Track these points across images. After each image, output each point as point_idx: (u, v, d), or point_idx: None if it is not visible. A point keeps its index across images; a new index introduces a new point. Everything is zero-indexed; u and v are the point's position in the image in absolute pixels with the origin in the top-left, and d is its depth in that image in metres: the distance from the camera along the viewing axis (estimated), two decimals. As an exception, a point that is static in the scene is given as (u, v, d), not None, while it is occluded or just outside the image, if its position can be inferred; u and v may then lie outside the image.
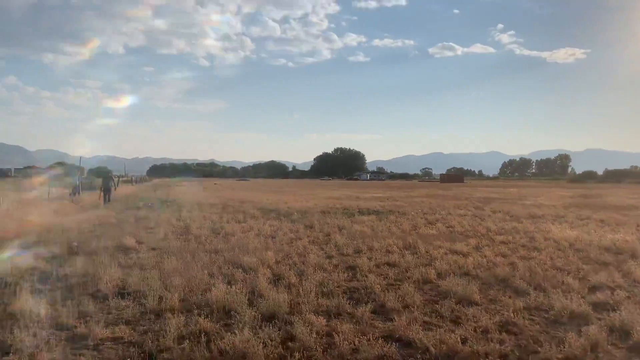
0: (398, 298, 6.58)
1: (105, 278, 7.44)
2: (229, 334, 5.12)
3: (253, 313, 5.75)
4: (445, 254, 10.37)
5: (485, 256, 10.02)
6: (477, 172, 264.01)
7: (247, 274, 8.03)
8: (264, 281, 7.30)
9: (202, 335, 5.14)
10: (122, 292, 6.93)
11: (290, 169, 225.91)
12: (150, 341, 4.98)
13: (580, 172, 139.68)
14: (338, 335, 5.16)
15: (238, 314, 5.80)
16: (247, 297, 6.44)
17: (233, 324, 5.56)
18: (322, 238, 12.77)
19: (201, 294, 6.73)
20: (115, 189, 27.05)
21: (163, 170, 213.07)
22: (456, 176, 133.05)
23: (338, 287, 7.29)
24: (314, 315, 5.78)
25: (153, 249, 10.82)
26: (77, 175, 30.80)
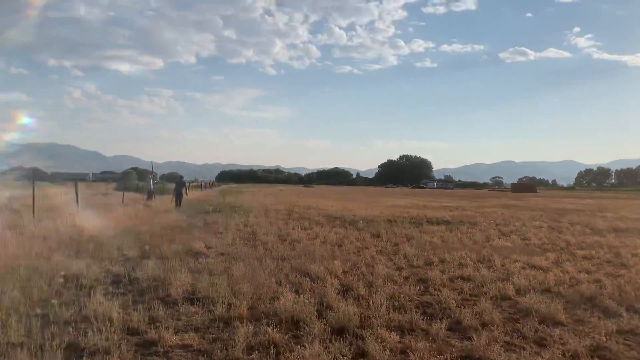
0: (475, 315, 6.17)
1: (176, 283, 7.50)
2: (299, 346, 4.94)
3: (322, 325, 5.54)
4: (523, 268, 9.75)
5: (567, 272, 9.31)
6: (550, 181, 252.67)
7: (314, 283, 7.85)
8: (332, 292, 7.09)
9: (271, 346, 4.99)
10: (191, 298, 6.95)
11: (354, 176, 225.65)
12: (219, 350, 4.89)
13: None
14: (413, 354, 4.85)
15: (307, 325, 5.61)
16: (315, 308, 6.24)
17: (302, 335, 5.38)
18: (390, 248, 12.41)
19: (269, 303, 6.61)
20: (187, 194, 27.80)
21: (231, 176, 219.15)
22: (528, 186, 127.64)
23: (410, 300, 6.94)
24: (386, 330, 5.49)
25: (221, 254, 10.90)
26: (151, 179, 31.85)
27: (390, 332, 5.45)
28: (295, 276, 8.31)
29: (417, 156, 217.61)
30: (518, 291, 7.63)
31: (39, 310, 6.03)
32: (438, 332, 5.52)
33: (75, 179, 24.75)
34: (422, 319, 6.01)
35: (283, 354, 4.82)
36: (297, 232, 15.12)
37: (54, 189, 37.31)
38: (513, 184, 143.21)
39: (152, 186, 31.24)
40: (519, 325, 5.94)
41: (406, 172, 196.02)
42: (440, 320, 5.98)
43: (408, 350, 4.99)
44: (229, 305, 6.39)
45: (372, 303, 6.54)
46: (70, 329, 5.33)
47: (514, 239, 14.86)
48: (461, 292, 7.57)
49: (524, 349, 5.17)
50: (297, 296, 6.88)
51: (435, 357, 4.81)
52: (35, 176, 24.29)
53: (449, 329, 5.71)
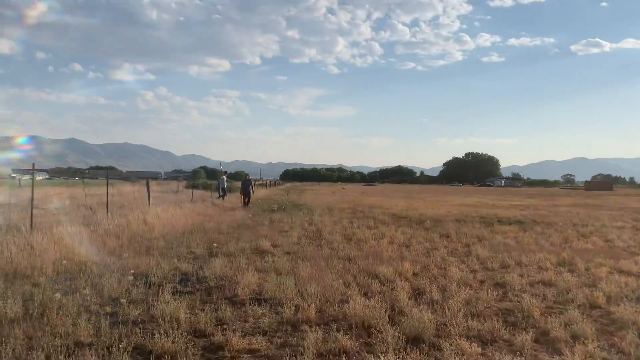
0: (563, 325, 5.62)
1: (243, 282, 7.40)
2: (372, 356, 4.63)
3: (396, 333, 5.20)
4: (610, 273, 8.94)
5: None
6: (627, 179, 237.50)
7: (383, 286, 7.51)
8: (403, 295, 6.73)
9: (343, 355, 4.73)
10: (258, 299, 6.82)
11: (418, 174, 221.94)
12: (287, 357, 4.67)
13: None
14: (498, 369, 4.43)
15: (379, 332, 5.29)
16: (387, 313, 5.90)
17: (374, 343, 5.06)
18: (461, 249, 11.85)
19: (338, 306, 6.34)
20: (253, 192, 28.12)
21: (294, 174, 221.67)
22: (604, 183, 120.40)
23: (488, 307, 6.45)
24: (465, 340, 5.08)
25: (287, 252, 10.78)
26: (221, 178, 32.32)
27: (470, 342, 5.03)
28: (364, 278, 8.00)
29: (484, 153, 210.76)
30: (609, 299, 6.95)
31: (108, 309, 6.07)
32: (523, 344, 5.03)
33: (147, 177, 25.61)
34: (504, 328, 5.54)
35: (355, 363, 4.54)
36: (362, 231, 14.80)
37: (128, 186, 39.02)
38: (586, 182, 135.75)
39: (224, 184, 31.28)
40: (615, 338, 5.34)
41: (472, 170, 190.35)
42: (525, 330, 5.49)
43: (492, 364, 4.58)
44: (297, 307, 6.19)
45: (448, 309, 6.13)
46: (138, 330, 5.29)
47: (595, 240, 13.81)
48: (544, 299, 6.97)
49: (624, 366, 4.62)
50: (366, 299, 6.59)
51: (523, 373, 4.37)
52: (110, 174, 25.30)
53: (535, 341, 5.20)
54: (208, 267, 8.75)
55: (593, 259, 10.36)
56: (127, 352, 4.60)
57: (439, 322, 5.62)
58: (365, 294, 7.11)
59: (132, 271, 8.00)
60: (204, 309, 6.13)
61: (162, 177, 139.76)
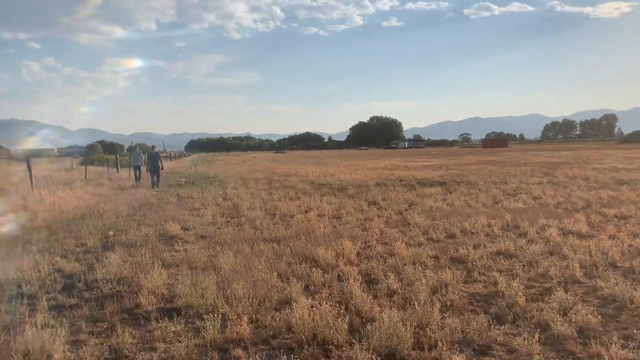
0: (560, 315, 4.53)
1: (147, 285, 5.69)
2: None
3: (362, 351, 3.84)
4: (563, 235, 8.22)
5: (617, 238, 7.85)
6: (517, 135, 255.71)
7: (326, 274, 6.12)
8: (355, 287, 5.36)
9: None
10: (169, 308, 5.15)
11: (326, 140, 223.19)
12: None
13: (630, 132, 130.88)
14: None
15: (340, 349, 3.91)
16: (343, 318, 4.48)
17: (338, 371, 3.67)
18: (395, 218, 10.76)
19: (276, 311, 4.87)
20: (162, 168, 22.08)
21: (200, 144, 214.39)
22: (500, 140, 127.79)
23: (459, 295, 5.26)
24: (453, 352, 3.83)
25: (202, 236, 9.09)
26: (140, 153, 25.03)
27: (460, 353, 3.80)
28: (300, 264, 6.55)
29: (387, 117, 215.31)
30: (584, 271, 6.08)
31: None
32: (530, 350, 3.86)
33: (28, 156, 21.99)
34: (493, 326, 4.37)
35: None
36: (285, 204, 13.31)
37: (16, 166, 34.44)
38: (483, 140, 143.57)
39: (140, 161, 24.40)
40: (627, 329, 4.33)
41: (377, 134, 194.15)
42: (515, 325, 4.36)
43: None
44: (223, 318, 4.64)
45: (416, 301, 4.85)
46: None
47: (524, 198, 13.41)
48: (516, 277, 5.94)
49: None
50: (311, 297, 5.19)
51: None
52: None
53: (544, 343, 4.05)
54: (101, 265, 6.88)
55: (535, 219, 9.71)
56: None
57: (413, 325, 4.29)
58: (307, 287, 5.71)
59: (-9, 283, 5.97)
60: (92, 333, 4.41)
61: (56, 154, 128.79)
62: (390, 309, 4.73)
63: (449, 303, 4.98)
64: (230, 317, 4.63)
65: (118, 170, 31.91)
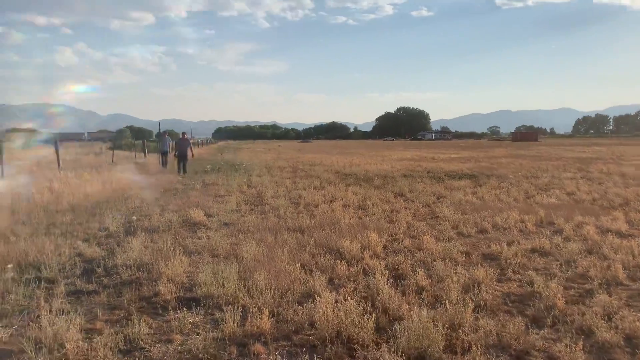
0: (605, 320, 4.18)
1: (167, 273, 5.54)
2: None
3: (390, 353, 3.59)
4: (601, 233, 7.79)
5: (660, 239, 7.39)
6: (548, 130, 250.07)
7: (351, 267, 5.87)
8: (382, 283, 5.10)
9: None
10: (188, 298, 4.98)
11: (351, 130, 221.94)
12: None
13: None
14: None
15: (366, 349, 3.67)
16: (370, 316, 4.21)
17: (364, 372, 3.43)
18: (423, 210, 10.44)
19: (299, 305, 4.65)
20: (193, 155, 21.43)
21: (227, 132, 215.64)
22: (530, 134, 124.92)
23: (492, 295, 4.96)
24: (489, 357, 3.55)
25: (225, 224, 8.94)
26: (167, 139, 25.05)
27: (497, 359, 3.51)
28: (324, 256, 6.30)
29: (414, 108, 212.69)
30: (627, 272, 5.69)
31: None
32: (573, 357, 3.55)
33: (56, 140, 22.20)
34: (531, 329, 4.07)
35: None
36: (309, 193, 13.09)
37: (45, 149, 35.08)
38: (513, 133, 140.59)
39: (167, 147, 24.13)
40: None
41: (404, 125, 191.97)
42: (555, 329, 4.05)
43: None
44: (243, 311, 4.45)
45: (447, 300, 4.57)
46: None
47: (557, 194, 12.90)
48: (553, 277, 5.60)
49: None
50: (335, 291, 4.95)
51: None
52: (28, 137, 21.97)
53: (588, 352, 3.72)
54: (122, 250, 6.77)
55: (571, 216, 9.26)
56: None
57: (445, 327, 4.01)
58: (331, 281, 5.47)
59: (9, 265, 5.88)
60: (109, 322, 4.27)
61: (86, 138, 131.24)
62: (420, 307, 4.46)
63: (482, 303, 4.68)
64: (251, 310, 4.43)
65: (145, 155, 32.16)
